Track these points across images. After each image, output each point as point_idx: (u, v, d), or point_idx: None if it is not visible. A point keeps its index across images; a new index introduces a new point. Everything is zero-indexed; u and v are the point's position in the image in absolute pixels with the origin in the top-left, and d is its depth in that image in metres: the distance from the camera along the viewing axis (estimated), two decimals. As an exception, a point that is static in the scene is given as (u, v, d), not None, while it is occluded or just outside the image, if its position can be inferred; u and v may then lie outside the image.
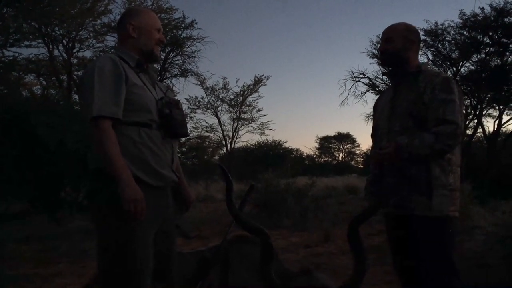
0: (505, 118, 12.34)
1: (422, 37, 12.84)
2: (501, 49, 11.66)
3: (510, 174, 9.23)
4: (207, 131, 24.04)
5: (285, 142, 25.22)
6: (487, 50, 11.76)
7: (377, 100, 2.67)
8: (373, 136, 2.54)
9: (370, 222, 7.69)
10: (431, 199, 2.17)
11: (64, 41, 12.80)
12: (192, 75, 15.53)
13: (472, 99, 11.98)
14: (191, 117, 21.67)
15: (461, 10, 11.63)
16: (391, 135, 2.30)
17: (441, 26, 12.36)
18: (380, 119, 2.44)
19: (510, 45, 11.26)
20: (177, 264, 2.24)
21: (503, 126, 12.41)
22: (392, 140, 2.25)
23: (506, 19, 11.31)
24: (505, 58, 11.43)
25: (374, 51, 14.42)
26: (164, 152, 2.12)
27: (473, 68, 12.08)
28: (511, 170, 9.47)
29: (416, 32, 2.44)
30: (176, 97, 2.33)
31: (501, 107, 12.07)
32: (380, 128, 2.41)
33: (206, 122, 25.51)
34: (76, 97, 12.82)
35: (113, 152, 1.88)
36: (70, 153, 7.41)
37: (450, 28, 12.18)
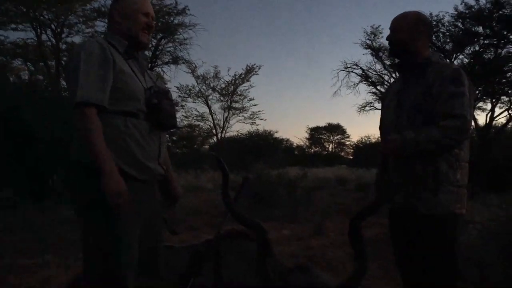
0: (497, 111, 12.37)
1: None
2: (495, 41, 11.62)
3: (502, 168, 9.22)
4: (197, 120, 23.94)
5: (276, 132, 25.18)
6: (481, 43, 11.72)
7: (384, 92, 2.58)
8: (380, 128, 2.44)
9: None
10: (437, 196, 2.08)
11: (52, 25, 12.56)
12: (183, 62, 15.35)
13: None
14: (182, 106, 21.49)
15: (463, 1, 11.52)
16: (398, 128, 2.19)
17: (435, 18, 12.29)
18: (387, 112, 2.34)
19: (505, 38, 11.20)
20: (164, 259, 2.18)
21: (495, 119, 12.43)
22: (398, 133, 2.15)
23: (501, 11, 11.25)
24: (499, 51, 11.39)
25: (368, 41, 14.37)
26: (150, 144, 2.02)
27: (467, 60, 12.04)
28: (503, 163, 9.45)
29: (426, 22, 2.33)
30: (166, 86, 2.21)
31: (493, 100, 12.07)
32: (387, 121, 2.31)
33: (197, 111, 25.41)
34: (65, 83, 12.63)
35: (97, 142, 1.79)
36: (57, 141, 7.25)
37: (445, 20, 12.12)
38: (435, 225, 2.09)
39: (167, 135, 2.27)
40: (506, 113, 12.33)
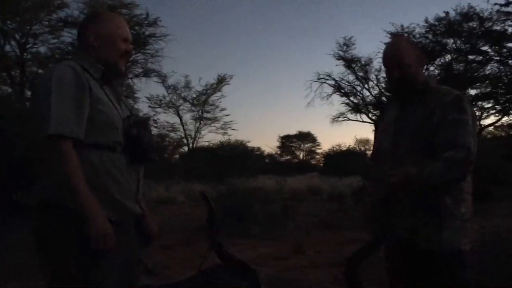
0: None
1: (389, 39, 12.94)
2: (464, 53, 11.83)
3: (481, 178, 9.26)
4: (168, 131, 23.59)
5: (248, 142, 25.07)
6: (451, 55, 11.91)
7: (379, 117, 2.43)
8: (374, 157, 2.28)
9: (341, 229, 7.53)
10: (441, 232, 1.94)
11: (16, 35, 12.05)
12: (156, 75, 15.07)
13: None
14: (154, 120, 21.09)
15: (438, 12, 11.70)
16: (396, 158, 2.05)
17: (407, 29, 12.44)
18: (384, 140, 2.18)
19: (474, 49, 11.41)
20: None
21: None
22: (397, 163, 2.00)
23: (469, 23, 11.46)
24: (468, 62, 11.59)
25: (340, 53, 14.40)
26: (128, 181, 1.80)
27: (438, 71, 12.21)
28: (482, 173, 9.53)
29: (418, 45, 2.21)
30: (143, 116, 2.01)
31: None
32: (384, 149, 2.16)
33: (168, 122, 25.05)
34: (29, 93, 12.16)
35: (76, 179, 1.58)
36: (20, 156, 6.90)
37: (416, 31, 12.29)
38: (439, 263, 1.95)
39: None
40: (478, 123, 12.54)
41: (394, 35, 12.01)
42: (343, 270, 1.98)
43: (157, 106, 23.49)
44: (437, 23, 11.87)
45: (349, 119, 16.04)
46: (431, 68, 12.64)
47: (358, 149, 36.56)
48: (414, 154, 2.00)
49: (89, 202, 1.59)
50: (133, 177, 1.84)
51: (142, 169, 1.94)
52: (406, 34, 12.36)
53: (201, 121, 24.31)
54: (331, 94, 15.45)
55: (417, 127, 2.03)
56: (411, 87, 2.11)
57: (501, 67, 8.15)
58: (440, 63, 12.47)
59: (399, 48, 2.13)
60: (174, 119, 24.87)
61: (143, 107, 22.37)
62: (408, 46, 2.13)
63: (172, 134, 24.30)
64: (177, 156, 25.93)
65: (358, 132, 65.37)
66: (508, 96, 10.42)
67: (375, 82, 14.31)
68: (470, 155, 1.91)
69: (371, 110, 14.87)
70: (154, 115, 21.29)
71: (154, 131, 21.74)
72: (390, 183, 1.90)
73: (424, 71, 2.24)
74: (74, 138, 1.62)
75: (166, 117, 40.25)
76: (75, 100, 1.65)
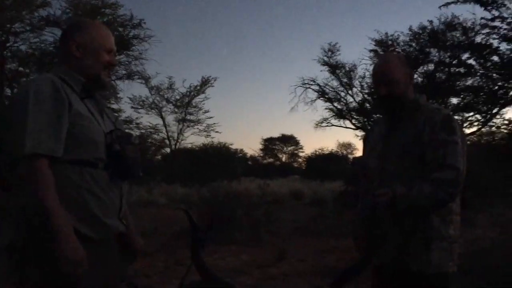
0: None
1: (373, 47, 13.02)
2: (447, 62, 11.95)
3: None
4: (151, 132, 23.35)
5: (230, 144, 24.96)
6: (434, 63, 12.03)
7: (366, 133, 2.39)
8: (362, 174, 2.25)
9: (323, 236, 7.49)
10: (429, 254, 1.92)
11: (-4, 33, 11.77)
12: (139, 78, 14.88)
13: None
14: (137, 124, 20.83)
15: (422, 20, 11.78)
16: (384, 176, 2.02)
17: (391, 37, 12.52)
18: (372, 157, 2.15)
19: (456, 59, 11.54)
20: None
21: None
22: (385, 181, 1.98)
23: (453, 33, 11.59)
24: (451, 74, 11.71)
25: (325, 58, 14.43)
26: (111, 197, 1.74)
27: (421, 79, 12.32)
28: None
29: (409, 63, 2.18)
30: (128, 131, 1.93)
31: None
32: (372, 167, 2.13)
33: (150, 123, 24.83)
34: (9, 91, 11.89)
35: (50, 200, 1.52)
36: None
37: (400, 39, 12.39)
38: (426, 284, 1.93)
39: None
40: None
41: (386, 51, 12.08)
42: (326, 281, 1.94)
43: (139, 107, 23.21)
44: (420, 32, 11.99)
45: (333, 125, 16.08)
46: (415, 76, 12.76)
47: (340, 153, 36.71)
48: (403, 173, 1.98)
49: (61, 223, 1.52)
50: (116, 193, 1.78)
51: (126, 185, 1.88)
52: (390, 42, 12.44)
53: (184, 123, 24.13)
54: (315, 100, 15.48)
55: (406, 145, 2.00)
56: (400, 104, 2.08)
57: (484, 80, 8.29)
58: (423, 71, 12.57)
59: (388, 65, 2.11)
60: (157, 121, 24.65)
61: (125, 108, 22.08)
62: (399, 63, 2.10)
63: (154, 136, 24.05)
64: (159, 157, 25.70)
65: (340, 136, 65.73)
66: (489, 106, 10.57)
67: (359, 88, 14.36)
68: (460, 176, 1.89)
69: (355, 116, 14.93)
70: (137, 118, 20.97)
71: (136, 132, 21.50)
72: (377, 203, 1.87)
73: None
74: (51, 155, 1.56)
75: (149, 118, 39.90)
76: (53, 115, 1.59)
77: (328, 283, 1.85)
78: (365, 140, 2.33)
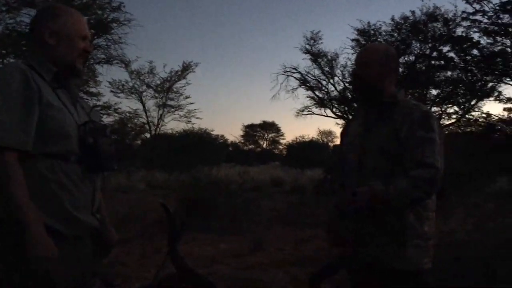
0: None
1: (355, 37, 13.03)
2: (427, 52, 12.03)
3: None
4: (130, 117, 23.08)
5: (211, 131, 24.86)
6: (416, 53, 12.12)
7: (344, 128, 2.37)
8: (338, 169, 2.24)
9: (302, 225, 7.52)
10: (404, 251, 1.92)
11: (-29, 14, 11.41)
12: (118, 62, 14.63)
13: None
14: (115, 109, 20.51)
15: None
16: (361, 173, 2.01)
17: (373, 27, 12.55)
18: (349, 153, 2.13)
19: (437, 50, 11.62)
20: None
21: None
22: (362, 178, 1.97)
23: (434, 23, 11.66)
24: (431, 66, 11.80)
25: (307, 46, 14.40)
26: (83, 192, 1.69)
27: (401, 69, 12.41)
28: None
29: (396, 58, 2.16)
30: (102, 121, 1.87)
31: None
32: (349, 163, 2.11)
33: (130, 108, 24.56)
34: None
35: (19, 195, 1.48)
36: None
37: (382, 29, 12.42)
38: (402, 282, 1.93)
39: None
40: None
41: (374, 42, 12.09)
42: (304, 271, 1.94)
43: (119, 92, 22.91)
44: (402, 22, 12.03)
45: (314, 113, 16.15)
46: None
47: (321, 140, 36.97)
48: (381, 169, 1.96)
49: (31, 219, 1.48)
50: (89, 187, 1.73)
51: (100, 178, 1.83)
52: (372, 32, 12.47)
53: (165, 108, 23.93)
54: (296, 88, 15.50)
55: (384, 142, 1.98)
56: (376, 98, 2.07)
57: (463, 73, 8.38)
58: (404, 61, 12.64)
59: (370, 49, 2.14)
60: (137, 105, 24.37)
61: (105, 92, 21.74)
62: (382, 53, 2.09)
63: (134, 121, 23.77)
64: (139, 142, 25.46)
65: (321, 124, 66.07)
66: (468, 98, 10.72)
67: (341, 77, 14.40)
68: (438, 175, 1.89)
69: (335, 105, 15.00)
70: (115, 104, 20.63)
71: (115, 117, 21.21)
72: (357, 202, 1.85)
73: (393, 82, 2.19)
74: (19, 149, 1.51)
75: (129, 103, 39.57)
76: (22, 106, 1.53)
77: (306, 274, 1.85)
78: (343, 133, 2.32)
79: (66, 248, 1.60)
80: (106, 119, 19.49)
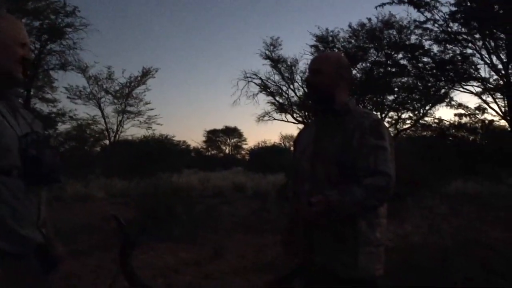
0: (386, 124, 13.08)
1: (314, 43, 13.20)
2: (383, 59, 12.31)
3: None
4: (89, 124, 22.55)
5: (173, 137, 24.62)
6: (372, 60, 12.39)
7: (297, 135, 2.38)
8: (292, 176, 2.25)
9: (263, 231, 7.52)
10: (357, 258, 1.93)
11: None
12: (73, 69, 14.26)
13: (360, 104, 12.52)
14: (71, 117, 19.96)
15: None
16: (314, 181, 2.02)
17: (331, 33, 12.76)
18: (302, 160, 2.14)
19: (391, 57, 11.90)
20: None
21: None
22: (315, 186, 1.97)
23: (390, 31, 11.97)
24: (387, 73, 12.09)
25: (267, 52, 14.50)
26: (27, 206, 1.62)
27: (359, 75, 12.66)
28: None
29: (348, 67, 2.18)
30: (45, 132, 1.80)
31: (382, 115, 12.79)
32: (302, 171, 2.12)
33: (88, 114, 24.02)
34: None
35: None
36: None
37: (340, 36, 12.64)
38: None
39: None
40: (393, 128, 13.14)
41: (330, 50, 12.29)
42: (263, 278, 1.92)
43: (76, 98, 22.38)
44: (359, 29, 12.29)
45: (274, 119, 16.27)
46: (354, 72, 13.11)
47: (283, 145, 37.22)
48: (333, 177, 1.98)
49: None
50: (33, 201, 1.66)
51: (45, 192, 1.76)
52: (330, 38, 12.67)
53: (124, 115, 23.53)
54: (257, 93, 15.60)
55: (336, 150, 2.00)
56: (328, 106, 2.09)
57: (417, 79, 8.63)
58: (362, 67, 12.92)
59: (321, 57, 2.16)
60: (95, 112, 23.86)
61: (61, 98, 21.18)
62: (333, 61, 2.12)
63: (93, 127, 23.24)
64: (98, 149, 24.89)
65: (283, 129, 66.68)
66: (423, 103, 11.03)
67: (301, 83, 14.56)
68: (391, 182, 1.91)
69: (296, 111, 15.15)
70: (70, 111, 20.08)
71: (73, 123, 20.65)
72: (312, 212, 1.85)
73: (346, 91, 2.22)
74: None
75: (87, 109, 38.73)
76: None
77: (266, 282, 1.84)
78: (296, 141, 2.33)
79: (11, 266, 1.53)
80: (61, 127, 18.98)
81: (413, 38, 10.51)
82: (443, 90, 9.90)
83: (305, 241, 2.02)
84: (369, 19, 12.23)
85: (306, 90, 2.95)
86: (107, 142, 24.00)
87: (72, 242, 6.58)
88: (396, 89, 12.10)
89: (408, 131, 12.83)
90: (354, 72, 13.24)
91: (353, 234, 1.95)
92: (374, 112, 2.80)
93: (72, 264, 5.41)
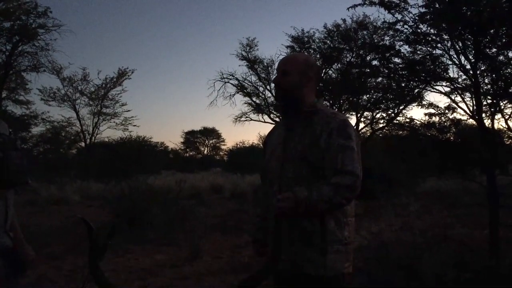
0: (361, 125, 13.25)
1: (289, 44, 13.24)
2: (358, 60, 12.42)
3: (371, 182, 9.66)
4: (63, 126, 22.19)
5: (150, 138, 24.39)
6: (347, 60, 12.50)
7: (267, 136, 2.40)
8: (262, 177, 2.28)
9: (240, 231, 7.52)
10: (325, 256, 1.97)
11: None
12: (45, 70, 13.99)
13: (334, 105, 12.60)
14: (43, 119, 19.55)
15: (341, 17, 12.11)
16: (283, 181, 2.05)
17: (307, 34, 12.82)
18: (271, 161, 2.17)
19: (365, 59, 12.03)
20: None
21: (360, 133, 13.27)
22: (284, 186, 2.01)
23: (364, 31, 12.10)
24: (362, 73, 12.20)
25: (243, 53, 14.51)
26: None
27: (335, 75, 12.78)
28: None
29: (316, 68, 2.22)
30: (11, 134, 1.79)
31: (358, 115, 12.93)
32: (271, 171, 2.15)
33: (63, 116, 23.64)
34: None
35: None
36: None
37: (315, 36, 12.72)
38: (324, 287, 1.98)
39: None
40: (369, 127, 13.28)
41: (296, 52, 12.35)
42: (239, 279, 1.94)
43: (50, 99, 22.01)
44: (335, 30, 12.39)
45: (252, 119, 16.29)
46: (330, 72, 13.22)
47: (261, 145, 37.27)
48: (302, 177, 2.01)
49: None
50: (1, 205, 1.66)
51: (12, 193, 1.75)
52: (306, 39, 12.74)
53: (100, 116, 23.23)
54: (234, 94, 15.59)
55: (305, 150, 2.03)
56: (296, 107, 2.13)
57: (389, 81, 8.78)
58: (337, 67, 13.03)
59: (289, 58, 2.20)
60: (70, 113, 23.54)
61: (35, 100, 20.81)
62: (301, 62, 2.16)
63: (68, 129, 22.88)
64: (74, 151, 24.50)
65: (262, 129, 66.71)
66: (397, 102, 11.19)
67: (277, 84, 14.59)
68: (358, 182, 1.95)
69: (273, 111, 15.20)
70: (43, 113, 19.70)
71: (47, 125, 20.28)
72: (279, 208, 1.88)
73: (315, 89, 2.26)
74: None
75: (61, 111, 38.11)
76: None
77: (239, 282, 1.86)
78: (265, 142, 2.36)
79: None
80: (34, 129, 18.62)
81: (386, 39, 10.68)
82: (416, 90, 10.14)
83: (272, 240, 2.05)
84: (344, 20, 12.37)
85: (275, 91, 3.00)
86: (82, 144, 23.65)
87: (45, 245, 6.49)
88: (370, 90, 12.23)
89: (384, 130, 12.98)
90: (330, 72, 13.36)
91: (321, 232, 1.98)
92: (341, 113, 2.83)
93: (45, 268, 5.36)
